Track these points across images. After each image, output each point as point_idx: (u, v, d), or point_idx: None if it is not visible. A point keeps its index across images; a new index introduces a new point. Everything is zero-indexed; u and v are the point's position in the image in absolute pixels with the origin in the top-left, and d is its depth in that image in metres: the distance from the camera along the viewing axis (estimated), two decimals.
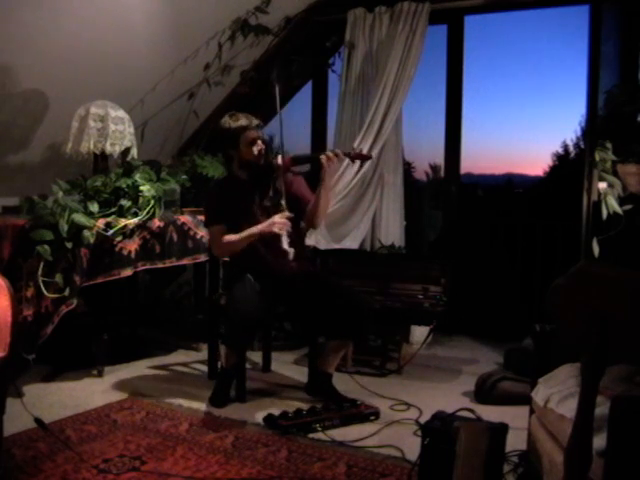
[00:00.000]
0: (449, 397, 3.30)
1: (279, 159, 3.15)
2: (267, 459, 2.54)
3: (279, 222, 3.06)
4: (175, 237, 3.72)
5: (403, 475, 2.40)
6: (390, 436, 2.78)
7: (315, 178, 3.26)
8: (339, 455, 2.58)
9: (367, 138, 4.22)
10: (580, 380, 1.70)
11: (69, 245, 3.24)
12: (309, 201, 3.25)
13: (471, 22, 4.43)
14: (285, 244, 3.11)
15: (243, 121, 3.17)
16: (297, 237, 3.25)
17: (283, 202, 3.13)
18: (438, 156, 4.76)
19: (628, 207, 3.45)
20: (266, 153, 3.23)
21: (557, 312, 1.72)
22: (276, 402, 3.21)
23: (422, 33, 4.16)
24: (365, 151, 4.17)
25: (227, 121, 3.20)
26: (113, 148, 3.79)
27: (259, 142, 3.19)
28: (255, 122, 3.20)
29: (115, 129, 3.79)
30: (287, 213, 3.09)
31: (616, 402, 1.64)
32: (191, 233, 3.82)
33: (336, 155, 3.14)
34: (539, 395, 2.17)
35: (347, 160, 3.47)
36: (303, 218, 3.29)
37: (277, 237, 3.09)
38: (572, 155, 6.20)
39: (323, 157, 3.14)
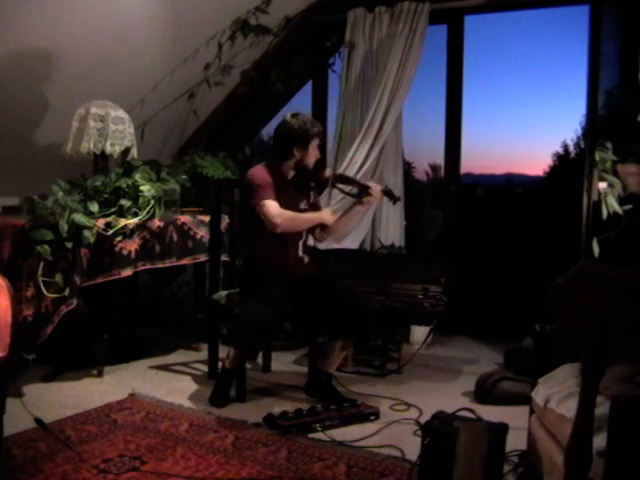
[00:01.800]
0: (449, 397, 3.31)
1: (327, 172, 3.31)
2: (267, 459, 2.54)
3: (331, 216, 3.24)
4: (175, 237, 3.72)
5: (403, 475, 2.40)
6: (390, 436, 2.78)
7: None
8: (339, 455, 2.58)
9: (367, 138, 4.22)
10: (580, 380, 1.70)
11: (69, 245, 3.23)
12: None
13: (471, 22, 4.43)
14: (301, 251, 3.26)
15: (319, 126, 3.25)
16: (306, 243, 3.35)
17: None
18: (438, 156, 4.77)
19: (628, 207, 3.45)
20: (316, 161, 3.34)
21: (557, 312, 1.72)
22: (276, 402, 3.21)
23: (422, 33, 4.17)
24: (365, 151, 4.21)
25: (302, 121, 3.20)
26: (113, 148, 3.79)
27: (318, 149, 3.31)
28: (322, 129, 3.30)
29: (115, 129, 3.79)
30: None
31: (616, 402, 1.64)
32: (191, 233, 3.82)
33: (384, 192, 3.29)
34: (539, 395, 2.17)
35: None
36: (314, 232, 3.40)
37: (296, 240, 3.23)
38: (572, 155, 6.20)
39: (374, 188, 3.24)
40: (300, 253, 3.26)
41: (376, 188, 3.26)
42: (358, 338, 3.31)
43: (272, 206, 3.07)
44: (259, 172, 3.19)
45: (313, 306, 3.19)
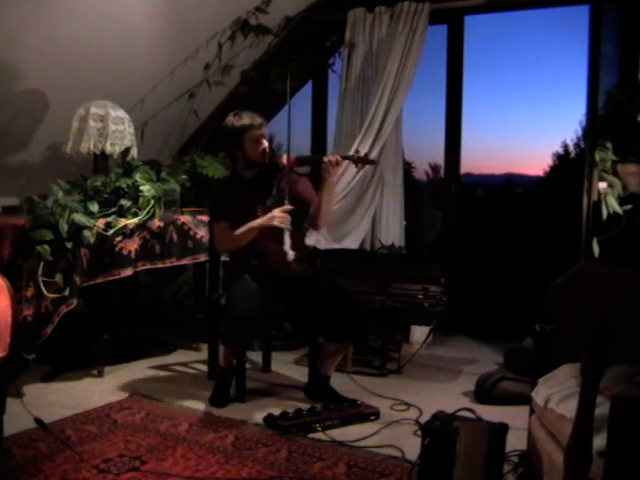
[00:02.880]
0: (449, 397, 3.31)
1: (284, 159, 3.15)
2: (267, 459, 2.54)
3: (279, 215, 3.05)
4: (175, 237, 3.72)
5: (403, 475, 2.40)
6: (390, 436, 2.78)
7: (317, 180, 3.26)
8: (339, 455, 2.58)
9: (367, 138, 4.22)
10: (580, 380, 1.70)
11: (69, 245, 3.23)
12: (305, 202, 3.25)
13: (471, 22, 4.43)
14: (287, 245, 3.12)
15: (247, 120, 3.15)
16: (299, 239, 3.26)
17: (286, 202, 3.12)
18: (438, 156, 4.76)
19: (628, 207, 3.45)
20: (270, 152, 3.22)
21: (557, 312, 1.72)
22: (276, 402, 3.21)
23: (422, 33, 4.17)
24: (365, 151, 4.18)
25: (231, 120, 3.19)
26: (113, 148, 3.79)
27: (263, 141, 3.18)
28: (259, 120, 3.18)
29: (115, 129, 3.79)
30: (287, 206, 3.07)
31: (616, 402, 1.64)
32: (191, 233, 3.82)
33: (339, 158, 3.15)
34: (539, 395, 2.17)
35: (348, 161, 3.46)
36: (306, 220, 3.29)
37: (279, 237, 3.10)
38: (572, 155, 6.20)
39: (326, 159, 3.14)
40: (285, 247, 3.11)
41: (332, 157, 3.14)
42: (354, 341, 3.29)
43: (218, 230, 3.26)
44: (215, 192, 3.40)
45: (310, 307, 3.18)
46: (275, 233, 3.10)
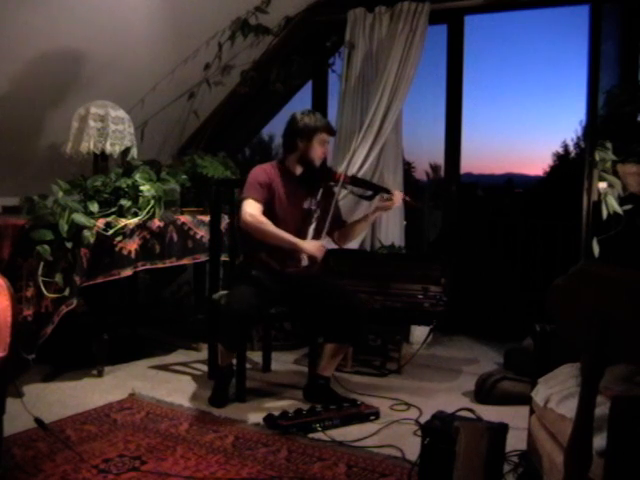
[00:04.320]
0: (449, 397, 3.31)
1: (340, 172, 3.27)
2: (267, 459, 2.54)
3: (313, 250, 3.13)
4: (175, 237, 3.72)
5: (403, 475, 2.40)
6: (390, 436, 2.78)
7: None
8: (339, 455, 2.58)
9: (367, 138, 4.22)
10: (580, 380, 1.70)
11: (69, 245, 3.23)
12: (339, 219, 3.37)
13: (471, 22, 4.43)
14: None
15: (324, 122, 3.25)
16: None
17: (328, 223, 3.20)
18: (438, 156, 4.77)
19: (628, 207, 3.45)
20: (325, 160, 3.32)
21: (557, 312, 1.72)
22: (276, 402, 3.21)
23: (422, 33, 4.17)
24: (365, 151, 4.20)
25: (307, 116, 3.24)
26: (113, 148, 3.79)
27: (326, 146, 3.28)
28: (332, 129, 3.31)
29: (115, 129, 3.79)
30: (324, 246, 3.17)
31: (616, 402, 1.64)
32: (191, 233, 3.82)
33: (407, 200, 3.34)
34: (539, 395, 2.17)
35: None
36: (329, 230, 3.28)
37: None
38: (572, 155, 6.20)
39: (398, 196, 3.29)
40: (301, 256, 3.19)
41: (398, 194, 3.31)
42: (351, 341, 3.28)
43: (250, 205, 3.11)
44: (256, 171, 3.23)
45: (308, 307, 3.18)
46: (297, 235, 3.15)
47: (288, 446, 2.66)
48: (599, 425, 1.69)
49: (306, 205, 3.25)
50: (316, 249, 3.14)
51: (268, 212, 3.15)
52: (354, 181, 3.36)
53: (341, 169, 3.30)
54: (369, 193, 3.37)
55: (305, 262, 3.21)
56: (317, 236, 3.25)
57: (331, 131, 3.28)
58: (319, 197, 3.28)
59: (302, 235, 3.19)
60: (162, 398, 3.21)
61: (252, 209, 3.09)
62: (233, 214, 3.66)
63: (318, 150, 3.23)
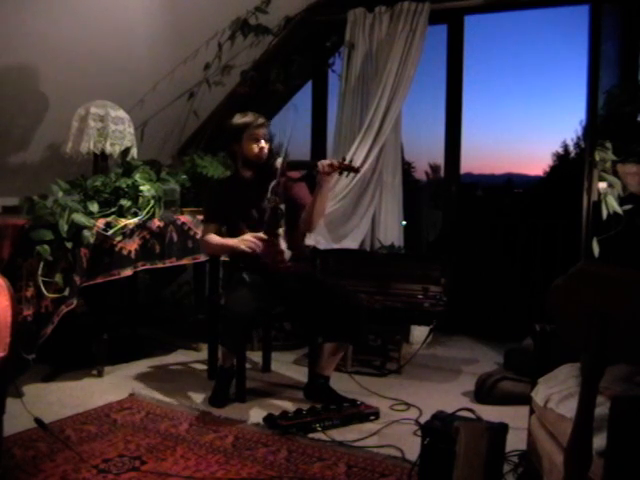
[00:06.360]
0: (449, 397, 3.31)
1: (278, 162, 3.17)
2: (267, 459, 2.54)
3: (248, 240, 3.09)
4: (175, 237, 3.72)
5: (403, 475, 2.40)
6: (390, 436, 2.78)
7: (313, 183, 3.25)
8: (339, 455, 2.58)
9: (367, 138, 4.22)
10: (580, 380, 1.70)
11: (69, 245, 3.23)
12: (297, 207, 3.26)
13: (471, 22, 4.43)
14: (283, 244, 3.20)
15: (249, 118, 3.22)
16: (296, 238, 3.30)
17: (282, 207, 3.19)
18: (438, 156, 4.76)
19: (628, 207, 3.45)
20: (269, 153, 3.25)
21: (557, 312, 1.72)
22: (276, 402, 3.21)
23: (422, 33, 4.17)
24: (365, 151, 4.19)
25: (235, 117, 3.27)
26: (113, 148, 3.79)
27: (262, 140, 3.21)
28: (260, 120, 3.23)
29: (115, 129, 3.80)
30: (260, 234, 3.10)
31: (616, 402, 1.64)
32: (191, 233, 3.82)
33: (331, 165, 3.10)
34: (539, 395, 2.17)
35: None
36: (300, 222, 3.28)
37: (275, 238, 3.17)
38: (572, 155, 6.20)
39: (320, 164, 3.11)
40: (282, 249, 3.19)
41: (323, 163, 3.10)
42: (351, 340, 3.27)
43: (203, 230, 3.33)
44: (209, 191, 3.43)
45: (306, 307, 3.18)
46: (271, 235, 3.14)
47: (288, 446, 2.66)
48: (599, 425, 1.69)
49: (265, 204, 3.16)
50: (241, 241, 3.09)
51: (233, 225, 3.26)
52: (290, 166, 3.23)
53: (280, 158, 3.17)
54: (305, 172, 3.32)
55: (287, 255, 3.21)
56: (294, 228, 3.24)
57: (259, 124, 3.19)
58: (278, 192, 3.17)
59: (276, 234, 3.17)
60: (162, 398, 3.21)
61: (203, 233, 3.32)
62: None
63: (253, 147, 3.19)
